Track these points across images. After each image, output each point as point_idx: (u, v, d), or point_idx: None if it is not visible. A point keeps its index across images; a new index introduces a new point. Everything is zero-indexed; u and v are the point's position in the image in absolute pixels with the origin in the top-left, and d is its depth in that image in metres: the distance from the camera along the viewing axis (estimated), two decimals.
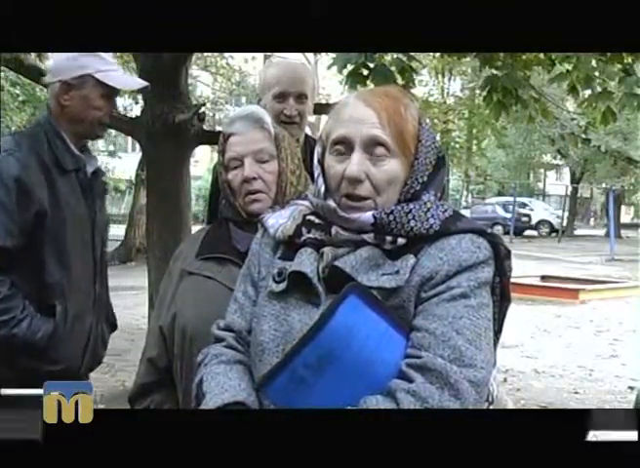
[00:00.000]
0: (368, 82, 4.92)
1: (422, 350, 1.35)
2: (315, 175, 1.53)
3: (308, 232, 1.50)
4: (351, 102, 1.49)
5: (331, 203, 1.48)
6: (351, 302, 1.37)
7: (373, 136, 1.45)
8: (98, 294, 2.43)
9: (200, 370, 1.53)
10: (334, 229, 1.48)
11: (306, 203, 1.57)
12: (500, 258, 1.45)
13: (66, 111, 2.38)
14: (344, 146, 1.47)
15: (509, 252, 1.47)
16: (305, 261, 1.46)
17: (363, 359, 1.35)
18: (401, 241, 1.43)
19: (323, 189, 1.50)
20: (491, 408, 1.47)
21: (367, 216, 1.44)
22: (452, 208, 1.49)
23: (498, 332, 1.48)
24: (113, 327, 2.64)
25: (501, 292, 1.46)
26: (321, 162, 1.53)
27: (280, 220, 1.56)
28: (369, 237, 1.44)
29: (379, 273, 1.41)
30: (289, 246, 1.52)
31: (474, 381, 1.32)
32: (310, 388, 1.36)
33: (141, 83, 2.60)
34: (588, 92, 5.50)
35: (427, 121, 1.53)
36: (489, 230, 1.47)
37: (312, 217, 1.52)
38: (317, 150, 1.54)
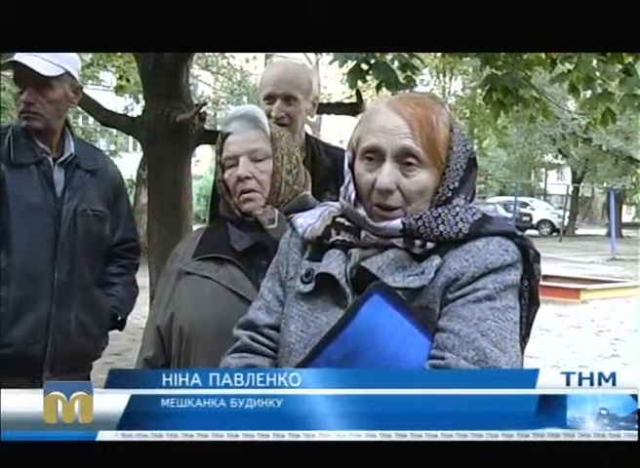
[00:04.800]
0: (368, 78, 4.92)
1: (447, 351, 1.35)
2: (346, 180, 1.52)
3: (337, 234, 1.49)
4: (382, 110, 1.47)
5: (360, 211, 1.47)
6: (375, 301, 1.36)
7: (404, 147, 1.43)
8: (58, 282, 2.44)
9: None
10: (363, 233, 1.47)
11: (337, 204, 1.56)
12: (530, 261, 1.44)
13: None
14: (375, 156, 1.45)
15: (539, 255, 1.46)
16: (333, 263, 1.46)
17: (386, 358, 1.35)
18: (430, 245, 1.42)
19: (354, 196, 1.49)
20: None
21: (396, 223, 1.44)
22: (480, 211, 1.47)
23: (525, 336, 1.48)
24: (114, 318, 2.66)
25: (530, 296, 1.45)
26: (351, 167, 1.51)
27: (309, 220, 1.55)
28: (398, 241, 1.44)
29: (404, 274, 1.41)
30: (317, 246, 1.51)
31: None
32: None
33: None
34: (589, 92, 5.50)
35: (460, 128, 1.51)
36: (519, 233, 1.45)
37: (342, 220, 1.51)
38: (347, 155, 1.53)
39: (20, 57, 2.37)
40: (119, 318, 2.68)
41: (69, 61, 2.48)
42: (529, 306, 1.46)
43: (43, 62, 2.39)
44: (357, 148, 1.50)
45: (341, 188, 1.54)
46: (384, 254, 1.44)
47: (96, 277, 2.58)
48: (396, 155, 1.44)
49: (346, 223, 1.50)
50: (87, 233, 2.51)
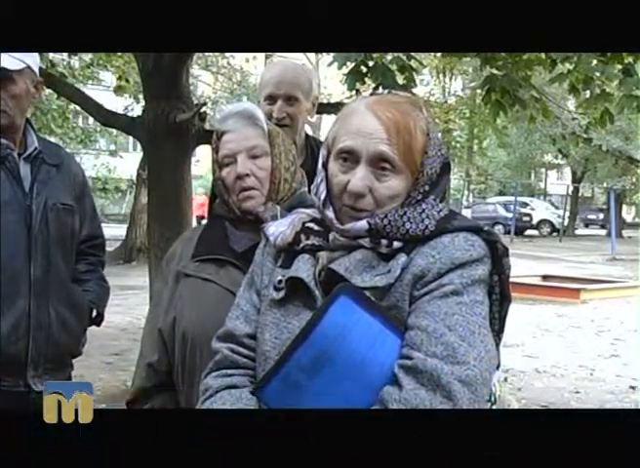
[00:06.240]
0: (367, 79, 4.93)
1: (415, 348, 1.34)
2: (318, 179, 1.51)
3: (307, 239, 1.49)
4: (360, 111, 1.46)
5: (329, 213, 1.48)
6: (342, 303, 1.36)
7: (380, 153, 1.43)
8: (35, 277, 2.41)
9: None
10: (331, 235, 1.48)
11: (308, 211, 1.57)
12: (498, 256, 1.43)
13: None
14: (350, 157, 1.45)
15: (507, 249, 1.45)
16: (302, 267, 1.46)
17: (357, 360, 1.34)
18: (397, 244, 1.42)
19: (324, 196, 1.49)
20: (494, 408, 1.47)
21: (362, 224, 1.44)
22: (447, 207, 1.48)
23: (499, 332, 1.47)
24: (91, 314, 2.62)
25: (501, 291, 1.45)
26: (325, 166, 1.51)
27: (280, 228, 1.55)
28: (365, 242, 1.44)
29: (372, 274, 1.41)
30: (289, 253, 1.52)
31: (466, 381, 1.31)
32: (304, 391, 1.36)
33: None
34: (588, 93, 5.51)
35: (436, 132, 1.50)
36: (485, 228, 1.45)
37: (311, 225, 1.52)
38: (322, 153, 1.53)
39: None
40: (95, 313, 2.65)
41: (29, 55, 2.45)
42: (500, 301, 1.45)
43: (4, 56, 2.34)
44: (332, 148, 1.50)
45: (312, 186, 1.54)
46: (352, 255, 1.44)
47: (70, 272, 2.56)
48: (371, 159, 1.43)
49: (315, 228, 1.51)
50: (59, 227, 2.49)
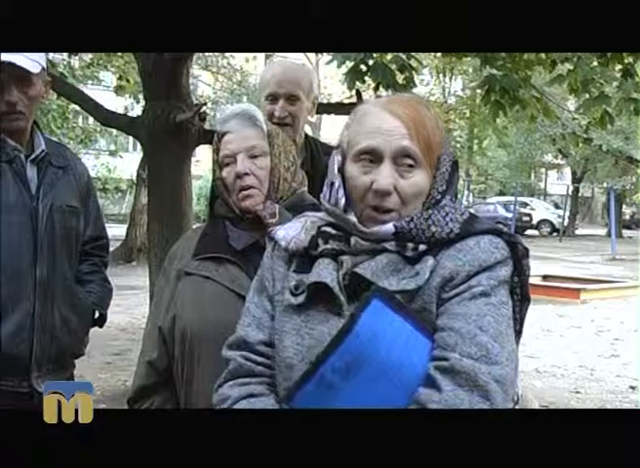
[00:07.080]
0: (366, 78, 4.93)
1: (449, 349, 1.35)
2: (335, 185, 1.50)
3: (325, 243, 1.48)
4: (375, 112, 1.47)
5: (351, 217, 1.47)
6: (375, 306, 1.36)
7: (403, 148, 1.44)
8: (40, 279, 2.41)
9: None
10: (353, 239, 1.47)
11: (319, 214, 1.56)
12: (519, 258, 1.45)
13: None
14: (372, 157, 1.45)
15: (527, 250, 1.47)
16: (324, 271, 1.45)
17: (391, 362, 1.34)
18: (422, 247, 1.43)
19: (343, 201, 1.49)
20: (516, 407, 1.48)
21: (388, 227, 1.44)
22: (467, 210, 1.50)
23: (519, 333, 1.48)
24: (92, 316, 2.62)
25: (521, 292, 1.47)
26: (341, 171, 1.51)
27: (290, 232, 1.54)
28: (390, 245, 1.44)
29: (399, 277, 1.41)
30: (303, 258, 1.50)
31: (500, 380, 1.33)
32: (338, 393, 1.35)
33: None
34: (587, 94, 5.52)
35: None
36: (506, 230, 1.47)
37: (328, 229, 1.51)
38: (337, 159, 1.52)
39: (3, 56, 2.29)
40: (98, 314, 2.65)
41: (41, 56, 2.45)
42: (521, 302, 1.47)
43: (26, 59, 2.34)
44: (349, 151, 1.49)
45: (325, 194, 1.52)
46: (377, 259, 1.44)
47: (74, 273, 2.56)
48: (394, 156, 1.44)
49: (333, 232, 1.49)
50: (64, 229, 2.49)
